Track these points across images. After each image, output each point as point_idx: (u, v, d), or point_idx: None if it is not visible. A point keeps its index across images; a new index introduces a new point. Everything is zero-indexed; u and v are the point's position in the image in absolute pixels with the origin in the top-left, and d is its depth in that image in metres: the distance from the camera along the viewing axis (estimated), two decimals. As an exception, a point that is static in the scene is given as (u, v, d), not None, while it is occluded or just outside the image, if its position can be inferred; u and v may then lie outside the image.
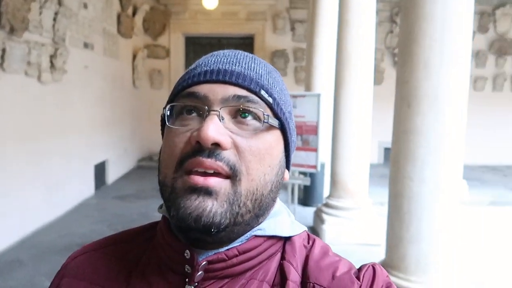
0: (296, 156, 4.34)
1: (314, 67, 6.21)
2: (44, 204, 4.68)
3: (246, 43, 9.14)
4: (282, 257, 0.54)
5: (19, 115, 4.11)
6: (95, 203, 5.76)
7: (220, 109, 0.49)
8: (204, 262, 0.50)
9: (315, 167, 4.23)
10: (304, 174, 4.86)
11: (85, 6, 5.54)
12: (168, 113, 0.52)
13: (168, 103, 0.54)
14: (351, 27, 4.26)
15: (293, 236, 0.56)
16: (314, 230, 4.73)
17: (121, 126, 7.44)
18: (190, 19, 9.07)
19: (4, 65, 3.69)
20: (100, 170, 6.45)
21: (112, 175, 6.92)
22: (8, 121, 3.93)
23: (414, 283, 2.44)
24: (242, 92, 0.50)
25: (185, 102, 0.51)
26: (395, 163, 2.51)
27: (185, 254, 0.51)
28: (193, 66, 0.56)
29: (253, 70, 0.53)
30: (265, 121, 0.50)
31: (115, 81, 7.11)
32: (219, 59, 0.54)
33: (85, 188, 5.91)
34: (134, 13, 8.10)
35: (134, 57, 8.22)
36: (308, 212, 5.27)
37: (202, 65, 0.54)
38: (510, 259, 4.05)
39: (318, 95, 4.28)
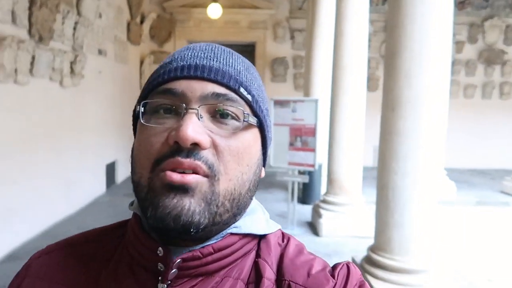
0: (296, 156, 4.76)
1: (313, 74, 6.64)
2: (63, 199, 5.07)
3: (248, 51, 9.57)
4: (257, 255, 0.53)
5: (44, 116, 4.51)
6: (108, 200, 6.14)
7: (198, 107, 0.48)
8: (179, 260, 0.49)
9: (313, 165, 4.64)
10: (303, 173, 5.27)
11: (100, 15, 5.96)
12: (142, 110, 0.50)
13: (142, 99, 0.52)
14: (346, 38, 4.68)
15: (268, 234, 0.55)
16: (312, 225, 5.14)
17: (129, 129, 7.81)
18: (194, 27, 9.51)
19: (33, 71, 4.09)
20: (110, 169, 6.84)
21: (121, 175, 7.31)
22: (36, 121, 4.33)
23: (398, 262, 2.84)
24: (221, 90, 0.49)
25: (161, 99, 0.50)
26: (382, 160, 2.93)
27: (158, 252, 0.49)
28: (168, 60, 0.54)
29: (232, 66, 0.51)
30: (245, 120, 0.50)
31: (124, 86, 7.52)
32: (195, 54, 0.52)
33: (98, 186, 6.30)
34: (142, 21, 8.53)
35: (142, 62, 8.65)
36: (307, 209, 5.67)
37: (178, 59, 0.52)
38: (489, 252, 4.46)
39: (316, 100, 4.70)
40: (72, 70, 5.01)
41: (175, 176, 0.46)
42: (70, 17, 4.83)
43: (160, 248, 0.49)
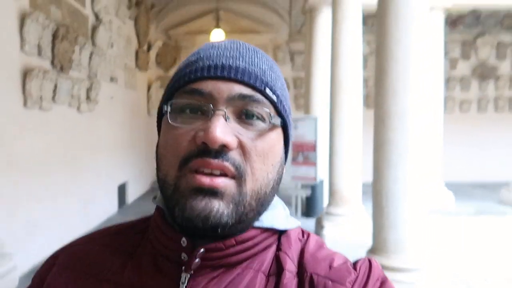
0: (298, 170, 5.06)
1: (312, 94, 6.99)
2: (78, 218, 5.36)
3: (250, 73, 9.98)
4: (278, 249, 0.54)
5: (63, 139, 4.87)
6: (120, 219, 6.42)
7: (226, 108, 0.49)
8: (202, 250, 0.50)
9: (315, 178, 4.95)
10: (306, 186, 5.57)
11: (112, 45, 6.39)
12: (169, 109, 0.51)
13: (167, 96, 0.53)
14: (342, 59, 5.05)
15: (289, 229, 0.57)
16: (315, 236, 5.38)
17: (138, 150, 8.19)
18: (198, 52, 9.97)
19: (55, 98, 4.47)
20: (122, 190, 7.16)
21: (131, 195, 7.63)
22: (56, 144, 4.68)
23: (394, 260, 3.11)
24: (247, 91, 0.50)
25: (188, 98, 0.50)
26: (376, 167, 3.24)
27: (182, 242, 0.51)
28: (193, 58, 0.54)
29: (257, 65, 0.52)
30: (270, 121, 0.51)
31: (133, 110, 7.92)
32: (221, 52, 0.52)
33: (110, 206, 6.60)
34: (149, 49, 9.00)
35: (149, 88, 9.08)
36: (311, 222, 5.93)
37: (204, 58, 0.52)
38: (486, 256, 4.69)
39: (316, 118, 5.04)
40: (88, 97, 5.40)
41: (205, 180, 0.47)
42: (87, 48, 5.25)
43: (183, 239, 0.51)
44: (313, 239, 0.57)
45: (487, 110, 10.23)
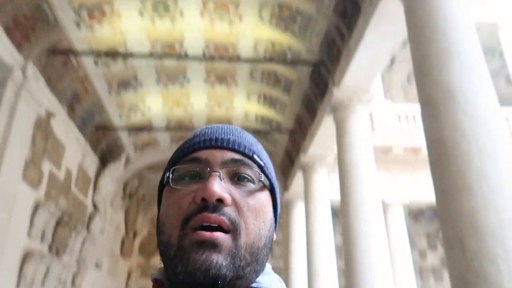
0: None
1: (291, 283, 7.18)
2: None
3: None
4: None
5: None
6: None
7: (220, 169, 0.57)
8: None
9: None
10: None
11: (103, 232, 6.82)
12: (171, 176, 0.58)
13: (170, 166, 0.61)
14: (316, 249, 5.59)
15: None
16: None
17: None
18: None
19: (45, 282, 4.62)
20: None
21: None
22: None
23: None
24: (238, 156, 0.59)
25: (188, 165, 0.59)
26: None
27: None
28: (191, 136, 0.64)
29: (245, 139, 0.62)
30: (260, 179, 0.59)
31: (111, 299, 7.76)
32: (214, 130, 0.63)
33: None
34: (134, 237, 9.40)
35: (129, 276, 9.08)
36: None
37: (200, 135, 0.62)
38: None
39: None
40: (73, 282, 5.52)
41: (205, 233, 0.53)
42: (81, 234, 5.67)
43: None
44: None
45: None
